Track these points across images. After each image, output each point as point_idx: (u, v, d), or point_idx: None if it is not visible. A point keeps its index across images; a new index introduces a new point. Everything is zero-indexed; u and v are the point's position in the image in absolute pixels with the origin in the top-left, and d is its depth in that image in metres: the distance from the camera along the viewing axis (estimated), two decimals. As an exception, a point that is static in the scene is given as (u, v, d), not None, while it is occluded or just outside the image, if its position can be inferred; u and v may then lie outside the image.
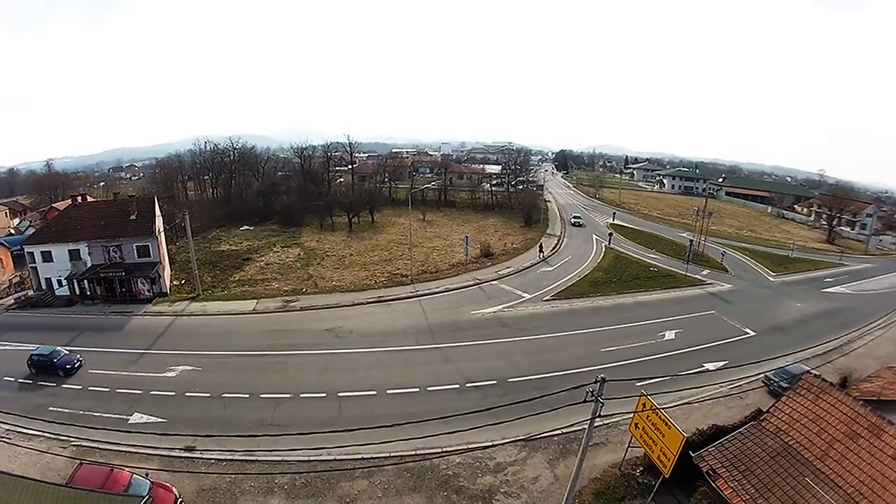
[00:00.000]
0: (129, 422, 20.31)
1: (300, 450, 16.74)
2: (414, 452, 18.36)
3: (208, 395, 21.77)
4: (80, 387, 23.08)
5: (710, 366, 25.81)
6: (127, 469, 15.87)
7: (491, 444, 19.08)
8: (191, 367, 24.61)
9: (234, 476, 17.16)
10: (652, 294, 38.07)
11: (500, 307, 33.66)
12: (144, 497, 13.18)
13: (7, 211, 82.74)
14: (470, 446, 18.90)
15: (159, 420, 20.37)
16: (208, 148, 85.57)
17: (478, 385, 22.75)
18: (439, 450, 18.54)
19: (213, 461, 17.88)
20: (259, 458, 18.00)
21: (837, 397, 15.81)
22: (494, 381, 23.05)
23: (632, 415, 16.61)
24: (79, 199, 43.60)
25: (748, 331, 31.11)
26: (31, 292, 38.78)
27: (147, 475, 15.97)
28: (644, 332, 29.78)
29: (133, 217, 38.64)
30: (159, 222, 41.39)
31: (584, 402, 10.27)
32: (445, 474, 17.55)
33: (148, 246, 37.64)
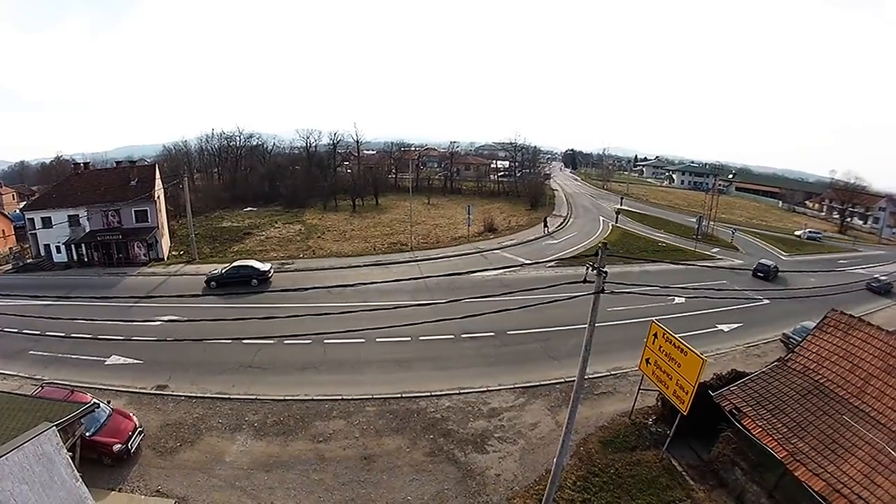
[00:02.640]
0: (106, 363, 19.46)
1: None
2: (399, 395, 17.13)
3: (189, 339, 20.71)
4: (62, 333, 22.22)
5: (723, 327, 24.37)
6: (89, 395, 14.84)
7: (485, 389, 17.75)
8: (176, 316, 23.67)
9: (202, 413, 16.09)
10: (660, 265, 36.47)
11: (501, 270, 32.36)
12: (104, 411, 12.10)
13: (14, 194, 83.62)
14: (462, 390, 17.65)
15: (136, 361, 19.47)
16: (215, 135, 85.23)
17: (474, 336, 21.43)
18: (427, 392, 17.27)
19: (182, 398, 16.87)
20: (232, 397, 16.94)
21: (869, 332, 14.23)
22: (492, 333, 21.71)
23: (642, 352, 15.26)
24: (81, 166, 43.34)
25: (762, 299, 29.45)
26: (29, 260, 38.31)
27: (108, 402, 14.98)
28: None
29: (133, 182, 38.08)
30: (159, 187, 40.69)
31: (584, 281, 8.93)
32: (433, 417, 16.16)
33: (146, 210, 36.95)
